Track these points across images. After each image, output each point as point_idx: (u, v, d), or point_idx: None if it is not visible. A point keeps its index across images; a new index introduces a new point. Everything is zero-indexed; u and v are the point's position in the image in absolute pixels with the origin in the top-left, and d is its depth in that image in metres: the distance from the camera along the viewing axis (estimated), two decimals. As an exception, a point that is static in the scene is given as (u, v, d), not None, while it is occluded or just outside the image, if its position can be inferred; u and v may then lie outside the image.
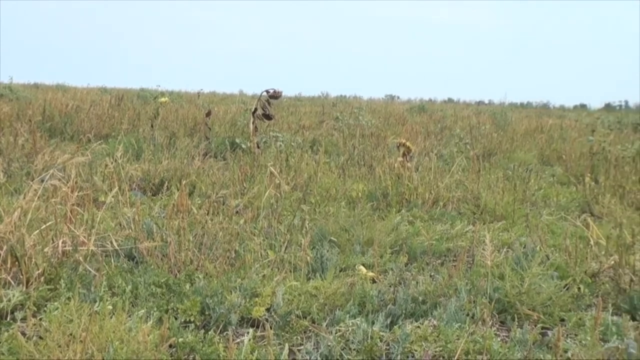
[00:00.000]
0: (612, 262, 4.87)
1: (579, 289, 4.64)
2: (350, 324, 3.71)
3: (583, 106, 55.40)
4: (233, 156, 8.42)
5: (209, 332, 3.61)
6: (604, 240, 5.23)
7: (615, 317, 4.12)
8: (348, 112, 18.68)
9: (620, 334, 3.76)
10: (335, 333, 3.67)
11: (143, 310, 3.76)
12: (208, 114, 10.61)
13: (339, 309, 4.04)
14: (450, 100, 53.43)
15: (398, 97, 51.21)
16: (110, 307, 3.47)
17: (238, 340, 3.71)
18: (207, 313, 3.94)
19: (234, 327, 3.89)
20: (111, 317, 3.37)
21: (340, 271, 4.93)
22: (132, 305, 3.94)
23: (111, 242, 4.84)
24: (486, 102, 51.53)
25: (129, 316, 3.58)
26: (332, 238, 5.63)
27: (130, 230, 5.02)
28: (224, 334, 3.76)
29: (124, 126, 12.57)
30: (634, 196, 8.16)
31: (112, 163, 6.68)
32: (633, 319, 4.22)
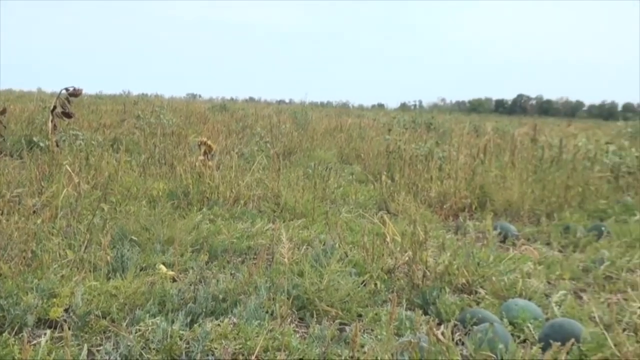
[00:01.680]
0: (407, 259, 5.04)
1: (375, 285, 4.79)
2: (150, 323, 3.71)
3: (381, 105, 57.61)
4: (30, 155, 8.13)
5: (4, 334, 3.51)
6: (399, 237, 5.43)
7: (409, 312, 4.29)
8: (149, 110, 18.50)
9: (413, 328, 3.90)
10: (135, 333, 3.65)
11: None
12: (3, 112, 10.18)
13: (139, 309, 4.02)
14: (251, 99, 54.05)
15: (200, 96, 51.34)
16: None
17: (34, 341, 3.62)
18: (1, 315, 3.83)
19: (30, 329, 3.79)
20: None
21: (140, 270, 4.89)
22: None
23: None
24: (287, 101, 52.49)
25: None
26: (133, 237, 5.58)
27: None
28: (20, 335, 3.66)
29: None
30: (426, 194, 8.54)
31: None
32: (425, 313, 4.41)
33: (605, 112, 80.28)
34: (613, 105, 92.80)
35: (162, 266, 4.87)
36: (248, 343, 3.64)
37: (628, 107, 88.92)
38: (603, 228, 6.95)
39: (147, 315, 3.88)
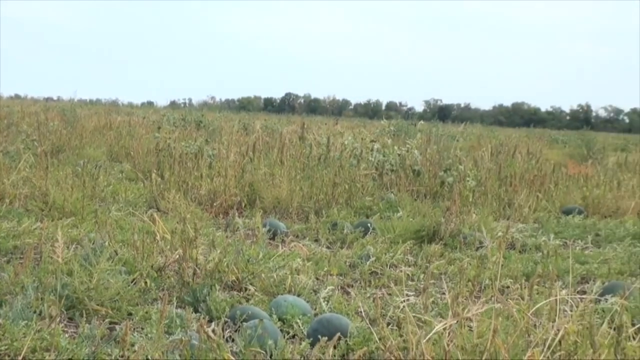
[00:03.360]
0: (177, 256, 5.06)
1: (146, 283, 4.77)
2: None
3: (150, 103, 57.30)
4: None
5: None
6: (169, 235, 5.42)
7: (179, 310, 4.30)
8: None
9: (184, 326, 3.92)
10: None
11: None
12: None
13: None
14: (17, 97, 52.20)
15: (-41, 93, 49.14)
16: None
17: None
18: None
19: None
20: None
21: None
22: None
23: None
24: (55, 98, 51.08)
25: None
26: None
27: None
28: None
29: None
30: (196, 191, 8.58)
31: None
32: (196, 311, 4.43)
33: (371, 111, 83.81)
34: (378, 104, 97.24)
35: None
36: (15, 344, 3.52)
37: (391, 106, 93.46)
38: (369, 224, 7.24)
39: None
